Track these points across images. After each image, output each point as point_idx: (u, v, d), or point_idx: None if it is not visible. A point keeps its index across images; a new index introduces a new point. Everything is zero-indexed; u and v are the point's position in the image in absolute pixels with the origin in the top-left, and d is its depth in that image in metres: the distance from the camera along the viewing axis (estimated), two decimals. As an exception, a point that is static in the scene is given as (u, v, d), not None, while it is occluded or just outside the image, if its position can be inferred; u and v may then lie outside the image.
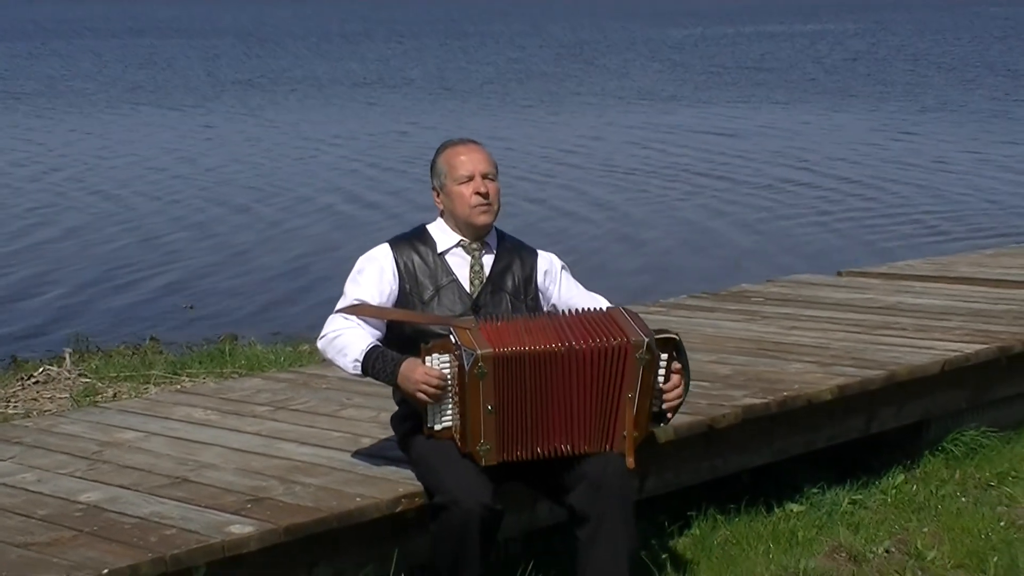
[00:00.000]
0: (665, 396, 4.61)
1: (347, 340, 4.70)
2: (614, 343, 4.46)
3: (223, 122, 28.75)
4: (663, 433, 5.27)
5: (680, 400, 4.67)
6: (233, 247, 15.14)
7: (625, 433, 4.50)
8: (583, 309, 4.70)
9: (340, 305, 4.81)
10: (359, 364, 4.66)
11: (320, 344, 4.82)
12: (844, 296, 8.30)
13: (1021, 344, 6.92)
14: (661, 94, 34.80)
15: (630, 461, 4.49)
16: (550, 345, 4.45)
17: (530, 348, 4.44)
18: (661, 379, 4.59)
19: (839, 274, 9.46)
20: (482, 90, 36.30)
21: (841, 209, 17.27)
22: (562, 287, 4.96)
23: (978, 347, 6.74)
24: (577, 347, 4.45)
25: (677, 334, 4.68)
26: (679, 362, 4.65)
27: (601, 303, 4.88)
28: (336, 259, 13.10)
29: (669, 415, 4.67)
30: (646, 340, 4.46)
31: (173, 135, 26.30)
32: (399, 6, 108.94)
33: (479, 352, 4.40)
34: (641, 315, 4.86)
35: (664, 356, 4.58)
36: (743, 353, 6.66)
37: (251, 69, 45.07)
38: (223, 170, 21.29)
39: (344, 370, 4.75)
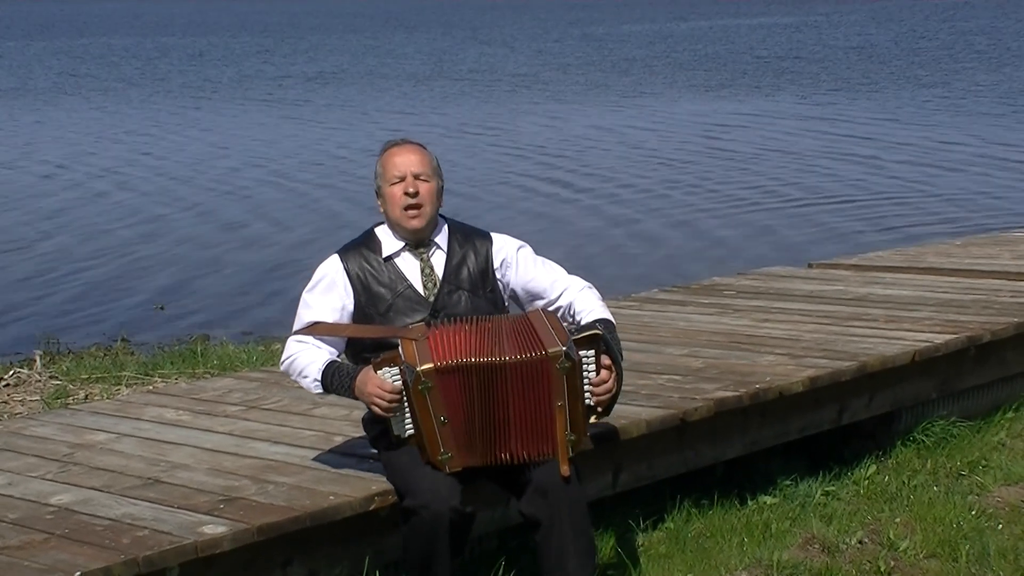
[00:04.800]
0: (595, 391, 4.52)
1: (305, 361, 4.72)
2: (533, 356, 4.38)
3: (189, 120, 28.63)
4: (635, 428, 5.28)
5: (611, 394, 4.58)
6: (204, 246, 15.09)
7: (560, 439, 4.43)
8: (515, 316, 4.66)
9: (296, 326, 4.80)
10: (319, 383, 4.68)
11: (282, 369, 4.86)
12: (815, 288, 8.33)
13: (990, 334, 6.96)
14: (627, 89, 34.83)
15: (564, 468, 4.43)
16: (485, 356, 4.39)
17: (471, 360, 4.38)
18: (593, 374, 4.51)
19: (809, 266, 9.50)
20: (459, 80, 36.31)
21: (811, 201, 17.31)
22: (519, 270, 4.86)
23: (948, 337, 6.77)
24: (506, 359, 4.38)
25: (600, 329, 4.59)
26: (608, 356, 4.58)
27: (561, 278, 4.84)
28: (308, 257, 13.06)
29: (599, 408, 4.57)
30: (563, 349, 4.38)
31: (139, 132, 26.20)
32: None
33: (419, 369, 4.35)
34: (612, 310, 4.86)
35: (591, 353, 4.50)
36: (715, 346, 6.68)
37: (213, 67, 44.91)
38: (192, 170, 21.21)
39: (310, 392, 4.76)
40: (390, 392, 4.46)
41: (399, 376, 4.44)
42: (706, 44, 53.36)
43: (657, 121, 27.09)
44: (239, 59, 49.55)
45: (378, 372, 4.49)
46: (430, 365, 4.36)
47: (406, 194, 4.71)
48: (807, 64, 41.90)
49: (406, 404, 4.47)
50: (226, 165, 21.70)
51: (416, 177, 4.74)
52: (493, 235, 4.92)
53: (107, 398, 7.45)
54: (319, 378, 4.67)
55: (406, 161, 4.77)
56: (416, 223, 4.75)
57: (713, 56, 46.51)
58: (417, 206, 4.73)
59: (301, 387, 4.81)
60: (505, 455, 4.46)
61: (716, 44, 53.11)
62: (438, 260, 4.81)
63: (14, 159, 22.81)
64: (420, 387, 4.37)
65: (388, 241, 4.82)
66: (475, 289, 4.78)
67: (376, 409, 4.51)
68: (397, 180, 4.74)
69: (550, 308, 4.76)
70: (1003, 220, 15.17)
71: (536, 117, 28.20)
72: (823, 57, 45.00)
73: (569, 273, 4.95)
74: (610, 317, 4.79)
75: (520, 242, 4.94)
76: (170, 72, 43.27)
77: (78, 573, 3.97)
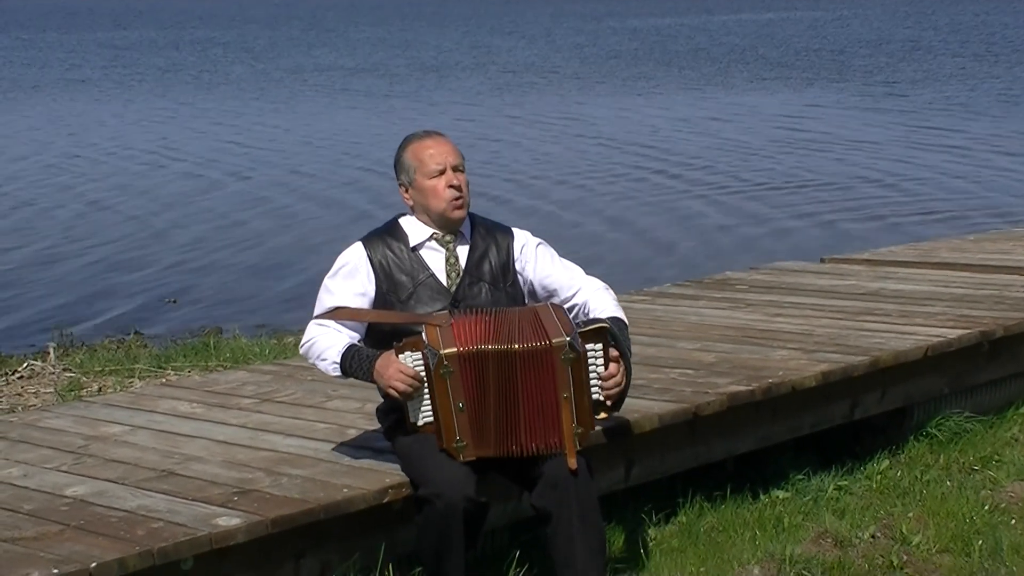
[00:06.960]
0: (604, 384, 4.54)
1: (324, 344, 4.72)
2: (539, 346, 4.39)
3: (206, 112, 28.67)
4: (647, 422, 5.29)
5: (620, 387, 4.59)
6: (217, 240, 15.12)
7: (567, 432, 4.43)
8: (525, 308, 4.68)
9: (317, 311, 4.81)
10: (338, 366, 4.68)
11: (301, 352, 4.87)
12: (827, 283, 8.32)
13: (1003, 329, 6.95)
14: (640, 82, 34.81)
15: (571, 461, 4.43)
16: (500, 344, 4.41)
17: (488, 347, 4.40)
18: (601, 368, 4.54)
19: (822, 261, 9.49)
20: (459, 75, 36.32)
21: (824, 196, 17.30)
22: (538, 265, 4.88)
23: (960, 332, 6.76)
24: (516, 348, 4.39)
25: (607, 322, 4.61)
26: (616, 349, 4.58)
27: (578, 277, 4.87)
28: (320, 251, 13.09)
29: (609, 402, 4.59)
30: (567, 340, 4.38)
31: (149, 124, 26.24)
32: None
33: (442, 352, 4.38)
34: (624, 304, 4.85)
35: (598, 346, 4.52)
36: (727, 340, 6.68)
37: (203, 60, 44.95)
38: (205, 163, 21.24)
39: (327, 374, 4.77)
40: (411, 376, 4.47)
41: (421, 361, 4.46)
42: (721, 38, 53.29)
43: (667, 116, 27.06)
44: (262, 52, 49.57)
45: (400, 356, 4.51)
46: (453, 350, 4.39)
47: (451, 187, 4.74)
48: (827, 57, 41.82)
49: (425, 390, 4.50)
50: (239, 160, 21.72)
51: (455, 169, 4.78)
52: (514, 230, 4.95)
53: (120, 390, 7.47)
54: (338, 360, 4.66)
55: (444, 152, 4.80)
56: (461, 213, 4.80)
57: (735, 49, 46.44)
58: (462, 197, 4.78)
59: (318, 370, 4.80)
60: (515, 447, 4.47)
61: (730, 38, 53.03)
62: (462, 251, 4.84)
63: (24, 152, 22.87)
64: (442, 371, 4.39)
65: (414, 231, 4.83)
66: (496, 282, 4.81)
67: (394, 393, 4.52)
68: (437, 173, 4.76)
69: (565, 306, 4.77)
70: (1018, 214, 15.16)
71: (566, 107, 28.27)
72: (841, 49, 44.93)
73: (588, 273, 4.97)
74: (623, 316, 4.80)
75: (540, 239, 4.97)
76: (183, 62, 43.33)
77: (93, 564, 3.99)
